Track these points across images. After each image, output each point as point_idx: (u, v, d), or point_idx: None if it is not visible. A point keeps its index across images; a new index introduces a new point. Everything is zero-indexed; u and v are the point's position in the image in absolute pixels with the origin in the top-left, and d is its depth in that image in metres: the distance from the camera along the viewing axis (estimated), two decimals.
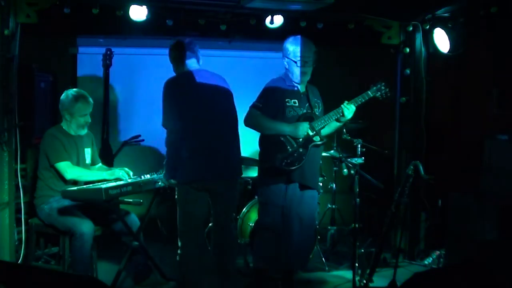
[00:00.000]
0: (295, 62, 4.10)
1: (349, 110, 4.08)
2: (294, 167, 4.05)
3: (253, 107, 4.16)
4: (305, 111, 4.16)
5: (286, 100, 4.13)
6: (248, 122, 4.16)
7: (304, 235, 4.18)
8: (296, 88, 4.19)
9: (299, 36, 4.17)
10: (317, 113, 4.18)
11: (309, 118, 4.12)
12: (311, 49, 4.15)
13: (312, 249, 4.64)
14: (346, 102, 4.10)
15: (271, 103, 4.13)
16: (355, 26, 5.16)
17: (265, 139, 4.19)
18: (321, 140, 4.14)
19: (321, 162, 5.12)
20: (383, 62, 5.71)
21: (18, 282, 2.54)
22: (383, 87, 4.18)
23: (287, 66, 4.18)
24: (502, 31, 4.74)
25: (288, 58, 4.15)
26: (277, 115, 4.11)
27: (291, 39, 4.17)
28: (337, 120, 4.16)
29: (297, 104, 4.14)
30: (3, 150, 4.33)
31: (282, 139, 4.08)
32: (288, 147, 4.06)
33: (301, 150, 4.07)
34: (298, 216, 4.14)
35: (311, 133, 4.09)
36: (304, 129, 4.06)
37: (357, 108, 4.67)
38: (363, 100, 4.15)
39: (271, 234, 4.15)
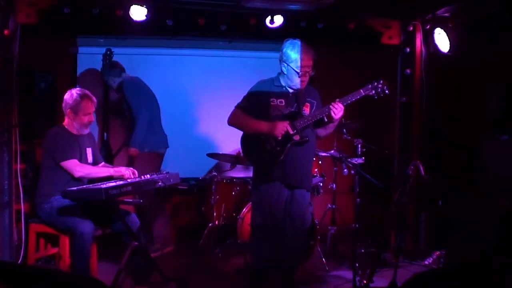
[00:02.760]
0: (297, 72, 4.06)
1: (336, 109, 3.99)
2: (271, 166, 4.06)
3: (236, 106, 4.21)
4: (293, 110, 4.14)
5: (271, 100, 4.13)
6: (230, 121, 4.21)
7: (295, 234, 4.17)
8: (284, 88, 4.18)
9: (300, 43, 4.09)
10: (305, 113, 4.14)
11: (293, 117, 4.09)
12: (313, 57, 4.10)
13: (305, 248, 4.58)
14: (337, 100, 4.02)
15: (255, 103, 4.14)
16: (355, 26, 5.16)
17: (246, 138, 4.21)
18: (301, 139, 4.08)
19: (320, 162, 5.16)
20: (383, 62, 5.71)
21: (18, 282, 2.54)
22: (380, 85, 4.06)
23: (285, 72, 4.13)
24: (502, 31, 4.74)
25: (288, 65, 4.09)
26: (261, 114, 4.11)
27: (291, 45, 4.10)
28: (328, 119, 4.06)
29: (283, 104, 4.13)
30: (3, 150, 4.32)
31: (262, 137, 4.08)
32: (267, 145, 4.07)
33: (278, 148, 4.06)
34: (289, 216, 4.14)
35: (291, 132, 4.06)
36: (281, 127, 4.02)
37: (357, 108, 4.67)
38: (354, 99, 4.05)
39: (263, 234, 4.16)
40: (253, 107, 4.14)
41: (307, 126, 4.10)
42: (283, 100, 4.14)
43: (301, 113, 4.12)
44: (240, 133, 4.23)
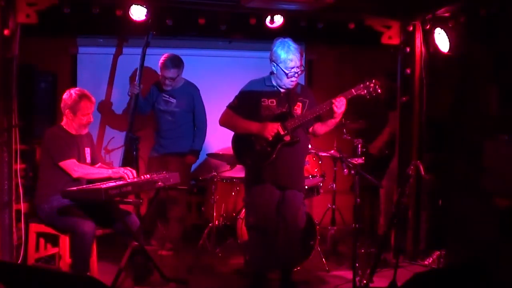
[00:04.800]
0: (285, 73, 4.04)
1: (339, 103, 3.96)
2: (262, 166, 4.07)
3: (227, 106, 4.21)
4: (284, 110, 4.12)
5: (262, 100, 4.13)
6: (221, 121, 4.23)
7: (289, 234, 4.17)
8: (275, 88, 4.17)
9: (290, 43, 4.06)
10: (297, 113, 4.12)
11: (284, 117, 4.08)
12: (302, 57, 4.08)
13: (300, 248, 4.51)
14: (340, 94, 4.01)
15: (246, 103, 4.14)
16: (355, 26, 5.16)
17: (237, 139, 4.22)
18: (292, 139, 4.07)
19: (320, 162, 5.16)
20: (383, 62, 5.71)
21: (18, 282, 2.54)
22: (371, 84, 4.04)
23: (274, 71, 4.12)
24: (502, 31, 4.74)
25: (277, 65, 4.07)
26: (252, 115, 4.11)
27: (281, 44, 4.07)
28: (330, 115, 4.03)
29: (274, 104, 4.12)
30: (3, 150, 4.32)
31: (252, 138, 4.09)
32: (257, 146, 4.08)
33: (269, 149, 4.06)
34: (281, 216, 4.14)
35: (282, 133, 4.05)
36: (271, 128, 4.02)
37: (357, 108, 4.67)
38: (347, 98, 4.03)
39: (257, 234, 4.17)
40: (244, 107, 4.14)
41: (298, 127, 4.10)
42: (274, 100, 4.14)
43: (292, 113, 4.11)
44: None
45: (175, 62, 5.23)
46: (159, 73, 5.30)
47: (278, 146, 4.05)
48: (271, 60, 4.12)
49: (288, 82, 4.09)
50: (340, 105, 3.98)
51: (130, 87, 5.20)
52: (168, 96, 5.32)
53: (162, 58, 5.24)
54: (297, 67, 4.04)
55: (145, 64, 5.32)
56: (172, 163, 5.24)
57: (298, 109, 4.16)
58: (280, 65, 4.05)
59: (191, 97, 5.37)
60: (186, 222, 5.69)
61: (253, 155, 4.10)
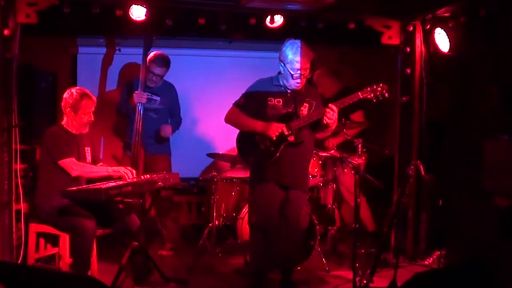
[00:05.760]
0: (291, 74, 4.04)
1: (330, 113, 3.96)
2: (265, 166, 4.08)
3: (234, 104, 4.22)
4: (290, 110, 4.13)
5: (269, 99, 4.13)
6: (226, 118, 4.24)
7: (290, 235, 4.17)
8: (283, 88, 4.17)
9: (299, 44, 4.06)
10: (303, 114, 4.12)
11: (290, 117, 4.08)
12: (309, 60, 4.06)
13: (301, 249, 4.55)
14: (331, 104, 3.99)
15: (252, 101, 4.15)
16: (355, 26, 5.16)
17: (241, 137, 4.23)
18: (296, 140, 4.07)
19: (320, 162, 5.16)
20: (383, 62, 5.71)
21: (18, 282, 2.54)
22: (379, 88, 4.03)
23: (282, 71, 4.13)
24: (502, 31, 4.74)
25: (284, 65, 4.07)
26: (258, 113, 4.12)
27: (291, 45, 4.07)
28: (325, 122, 4.02)
29: (280, 103, 4.13)
30: (3, 150, 4.32)
31: (257, 137, 4.10)
32: (261, 145, 4.09)
33: (272, 149, 4.07)
34: (284, 216, 4.15)
35: (286, 133, 4.05)
36: (276, 128, 4.03)
37: (358, 108, 4.66)
38: (351, 102, 4.03)
39: (259, 233, 4.18)
40: (250, 106, 4.15)
41: (303, 127, 4.10)
42: (280, 100, 4.14)
43: (298, 114, 4.11)
44: None
45: (166, 61, 5.23)
46: (148, 69, 5.16)
47: (282, 146, 4.06)
48: (279, 60, 4.13)
49: (293, 83, 4.09)
50: (331, 115, 3.97)
51: (135, 96, 5.05)
52: (150, 94, 5.25)
53: (152, 55, 5.19)
54: (304, 69, 4.03)
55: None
56: (158, 162, 5.24)
57: (304, 110, 4.15)
58: (287, 65, 4.05)
59: (172, 96, 5.38)
60: (180, 221, 5.68)
61: (257, 154, 4.11)
